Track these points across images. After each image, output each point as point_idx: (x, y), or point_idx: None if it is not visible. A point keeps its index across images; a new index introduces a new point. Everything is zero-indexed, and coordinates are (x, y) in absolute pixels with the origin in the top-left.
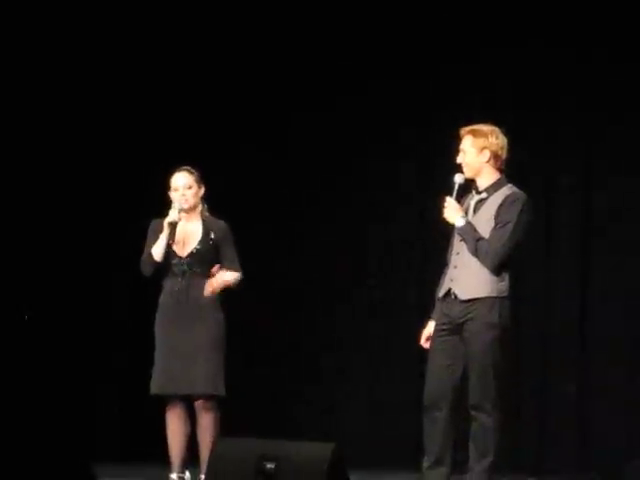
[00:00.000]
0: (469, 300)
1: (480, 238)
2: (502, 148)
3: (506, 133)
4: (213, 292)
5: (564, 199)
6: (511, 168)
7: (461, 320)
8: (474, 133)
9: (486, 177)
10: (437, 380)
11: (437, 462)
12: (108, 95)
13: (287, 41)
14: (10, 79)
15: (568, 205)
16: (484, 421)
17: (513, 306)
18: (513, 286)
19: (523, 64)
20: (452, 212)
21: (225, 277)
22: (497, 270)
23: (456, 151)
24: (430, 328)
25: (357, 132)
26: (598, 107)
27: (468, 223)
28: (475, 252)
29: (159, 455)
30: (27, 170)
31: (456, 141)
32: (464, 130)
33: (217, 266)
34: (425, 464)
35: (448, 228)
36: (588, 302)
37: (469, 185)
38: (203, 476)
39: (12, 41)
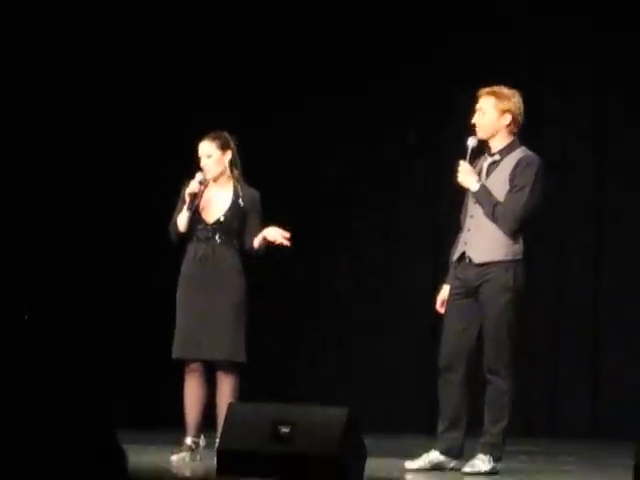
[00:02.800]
0: (484, 264)
1: (497, 202)
2: (522, 113)
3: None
4: (262, 243)
5: (578, 168)
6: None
7: (476, 283)
8: (497, 95)
9: (500, 140)
10: (452, 344)
11: (452, 425)
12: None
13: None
14: (10, 63)
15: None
16: (499, 385)
17: (527, 269)
18: (527, 249)
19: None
20: (466, 176)
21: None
22: (514, 234)
23: (472, 111)
24: (445, 292)
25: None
26: (613, 73)
27: (483, 187)
28: (492, 216)
29: (174, 419)
30: (25, 164)
31: (472, 100)
32: (485, 91)
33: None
34: (440, 427)
35: (462, 192)
36: (602, 263)
37: (482, 147)
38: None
39: (9, 28)
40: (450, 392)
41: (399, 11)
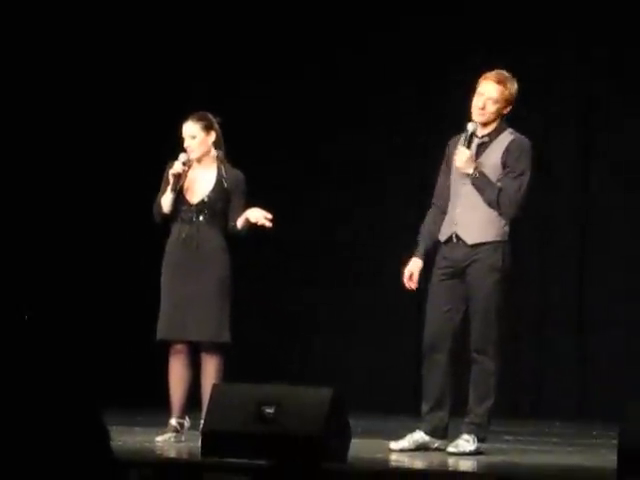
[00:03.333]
0: (475, 244)
1: (499, 189)
2: (515, 97)
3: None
4: (244, 224)
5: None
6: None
7: (464, 264)
8: (504, 83)
9: (493, 124)
10: (437, 324)
11: (436, 406)
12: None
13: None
14: (7, 59)
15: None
16: (486, 365)
17: (512, 250)
18: (513, 230)
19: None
20: (466, 162)
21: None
22: (514, 218)
23: (473, 93)
24: (415, 266)
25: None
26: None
27: (482, 173)
28: (495, 202)
29: (159, 401)
30: (20, 158)
31: (474, 82)
32: (493, 76)
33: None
34: (424, 408)
35: (435, 171)
36: (587, 246)
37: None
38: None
39: (6, 23)
40: (435, 372)
41: (391, 10)
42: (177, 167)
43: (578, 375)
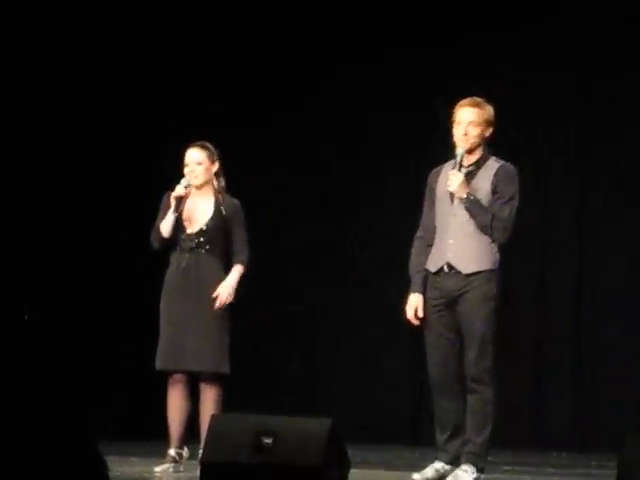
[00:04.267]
0: (470, 273)
1: (493, 214)
2: (494, 120)
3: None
4: (222, 305)
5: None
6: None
7: (457, 293)
8: (481, 106)
9: (478, 151)
10: (444, 353)
11: (454, 434)
12: (112, 71)
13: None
14: (6, 60)
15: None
16: (484, 393)
17: (509, 277)
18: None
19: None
20: (460, 185)
21: (224, 289)
22: (503, 244)
23: (452, 126)
24: (416, 301)
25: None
26: (595, 85)
27: (475, 198)
28: (489, 227)
29: (157, 431)
30: (24, 163)
31: (452, 112)
32: (469, 102)
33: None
34: (441, 438)
35: (420, 201)
36: (585, 267)
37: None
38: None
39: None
40: (447, 403)
41: (387, 18)
42: (179, 190)
43: (576, 405)
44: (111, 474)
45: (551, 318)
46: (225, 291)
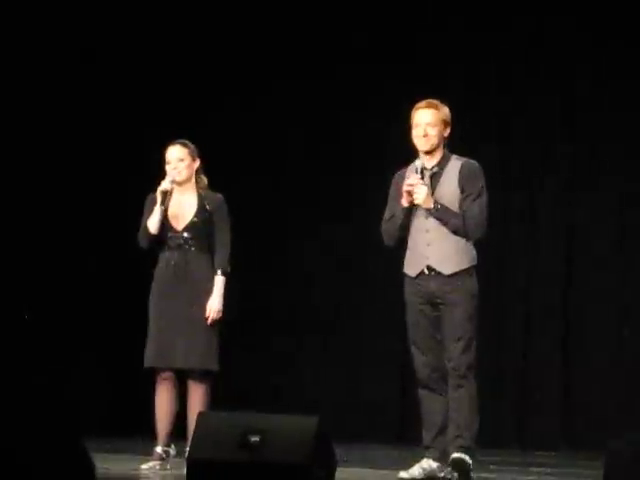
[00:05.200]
0: (451, 274)
1: (462, 215)
2: (451, 119)
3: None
4: (213, 322)
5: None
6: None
7: (439, 293)
8: (437, 107)
9: (438, 152)
10: (430, 352)
11: (440, 432)
12: (98, 75)
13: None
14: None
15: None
16: (470, 389)
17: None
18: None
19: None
20: (425, 197)
21: (213, 306)
22: (480, 239)
23: (410, 130)
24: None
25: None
26: (585, 98)
27: (442, 205)
28: (462, 229)
29: (144, 428)
30: (21, 164)
31: (409, 115)
32: (426, 104)
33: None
34: (428, 436)
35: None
36: (572, 270)
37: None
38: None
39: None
40: (434, 401)
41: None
42: (165, 184)
43: (563, 404)
44: (98, 471)
45: (538, 318)
46: (214, 308)
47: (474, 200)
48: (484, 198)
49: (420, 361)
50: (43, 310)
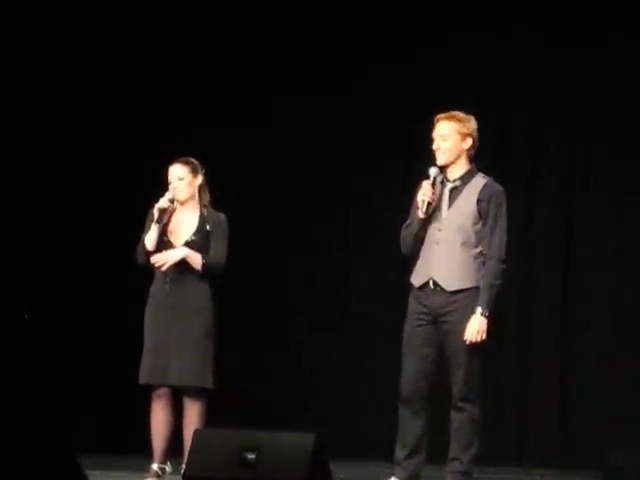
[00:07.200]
0: (454, 291)
1: (484, 242)
2: (477, 136)
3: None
4: (160, 266)
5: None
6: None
7: (442, 310)
8: (457, 119)
9: (460, 165)
10: (416, 371)
11: (413, 452)
12: (102, 87)
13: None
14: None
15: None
16: (471, 412)
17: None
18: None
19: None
20: (479, 332)
21: (170, 255)
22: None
23: (430, 138)
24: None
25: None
26: (582, 108)
27: (483, 304)
28: (496, 279)
29: (140, 446)
30: (23, 167)
31: (430, 127)
32: (443, 116)
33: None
34: (400, 454)
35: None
36: (570, 293)
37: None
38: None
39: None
40: (413, 419)
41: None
42: (163, 202)
43: (561, 422)
44: None
45: (537, 335)
46: (172, 255)
47: (493, 228)
48: (503, 224)
49: (405, 375)
50: (37, 324)
